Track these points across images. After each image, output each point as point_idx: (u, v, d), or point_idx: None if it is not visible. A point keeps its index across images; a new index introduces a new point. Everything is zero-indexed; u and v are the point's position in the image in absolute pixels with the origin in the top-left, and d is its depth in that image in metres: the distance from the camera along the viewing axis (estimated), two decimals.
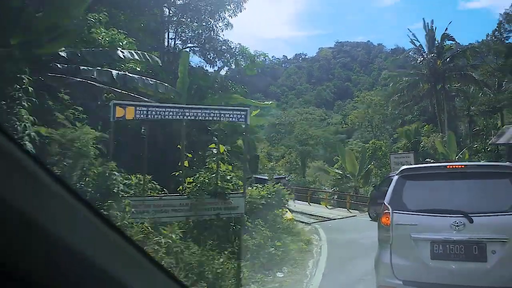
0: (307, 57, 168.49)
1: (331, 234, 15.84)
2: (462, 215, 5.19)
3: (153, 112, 10.08)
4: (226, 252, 8.68)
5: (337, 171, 32.27)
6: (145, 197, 9.99)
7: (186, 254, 7.94)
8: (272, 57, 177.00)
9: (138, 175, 10.53)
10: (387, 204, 5.74)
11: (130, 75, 12.19)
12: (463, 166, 6.22)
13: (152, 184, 10.65)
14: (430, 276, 5.26)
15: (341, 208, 27.05)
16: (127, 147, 12.02)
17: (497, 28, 53.26)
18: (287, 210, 15.52)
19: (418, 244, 5.38)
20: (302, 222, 22.18)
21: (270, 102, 20.07)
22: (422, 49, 43.73)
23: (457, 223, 5.15)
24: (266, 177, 22.44)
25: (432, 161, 28.75)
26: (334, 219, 22.08)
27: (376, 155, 36.25)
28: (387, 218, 5.60)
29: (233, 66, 28.83)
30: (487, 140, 46.66)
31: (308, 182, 53.41)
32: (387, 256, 5.55)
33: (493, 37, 54.09)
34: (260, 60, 27.21)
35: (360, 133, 71.38)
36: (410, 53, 44.00)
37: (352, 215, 23.96)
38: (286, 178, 24.31)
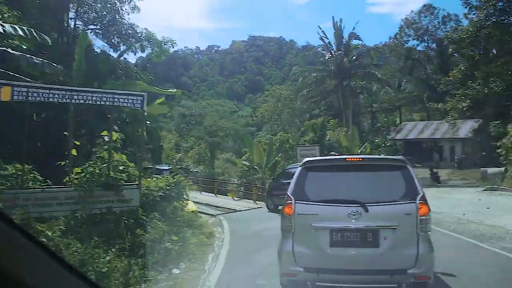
0: (220, 49, 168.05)
1: (235, 226, 15.44)
2: (359, 205, 5.52)
3: (35, 94, 8.84)
4: (114, 249, 7.85)
5: (244, 162, 32.06)
6: (24, 189, 8.81)
7: (66, 254, 7.02)
8: (185, 47, 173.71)
9: (16, 165, 9.30)
10: (290, 195, 5.88)
11: (11, 51, 10.78)
12: (361, 159, 6.68)
13: (34, 175, 9.44)
14: (329, 262, 5.55)
15: (247, 200, 26.83)
16: (6, 133, 10.62)
17: (399, 32, 56.49)
18: (187, 202, 14.86)
19: (318, 233, 5.63)
20: (207, 214, 21.62)
21: (175, 90, 19.17)
22: (331, 47, 45.16)
23: (354, 212, 5.49)
24: (168, 168, 21.51)
25: (336, 154, 29.53)
26: (240, 211, 21.75)
27: (284, 148, 36.72)
28: (289, 208, 5.76)
29: (139, 51, 27.24)
30: (387, 136, 49.44)
31: (217, 173, 53.05)
32: (290, 245, 5.71)
33: (395, 40, 57.26)
34: (167, 47, 26.00)
35: (269, 126, 72.25)
36: (319, 50, 45.22)
37: (258, 207, 23.77)
38: (170, 167, 23.16)
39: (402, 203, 5.62)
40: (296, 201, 5.77)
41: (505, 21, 30.63)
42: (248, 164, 31.17)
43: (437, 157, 41.61)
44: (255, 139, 39.45)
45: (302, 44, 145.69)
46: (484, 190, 23.06)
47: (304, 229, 5.68)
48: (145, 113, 11.48)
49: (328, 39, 44.49)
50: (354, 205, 5.55)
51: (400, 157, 7.01)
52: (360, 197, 5.65)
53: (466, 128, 39.79)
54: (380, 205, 5.63)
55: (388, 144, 46.70)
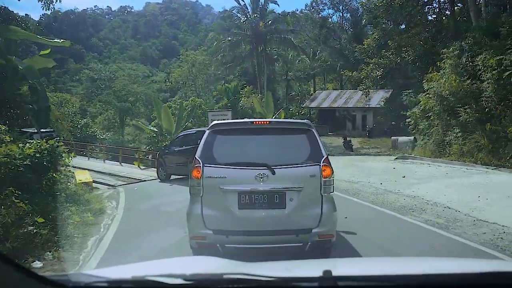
0: (133, 10, 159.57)
1: (133, 199, 13.38)
2: (266, 168, 5.59)
3: None
4: None
5: (152, 128, 29.52)
6: None
7: None
8: (95, 6, 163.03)
9: None
10: (198, 158, 5.80)
11: None
12: (267, 122, 6.54)
13: None
14: (238, 224, 5.62)
15: (154, 169, 24.62)
16: None
17: (314, 0, 55.69)
18: (76, 172, 12.53)
19: (227, 195, 5.66)
20: (107, 184, 19.31)
21: (62, 40, 16.20)
22: (246, 10, 42.99)
23: (261, 174, 5.57)
24: (48, 131, 18.63)
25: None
26: (144, 181, 19.60)
27: (196, 113, 34.67)
28: (198, 172, 5.70)
29: None
30: (302, 104, 49.02)
31: (127, 141, 49.80)
32: (198, 208, 5.71)
33: (311, 8, 56.51)
34: None
35: (183, 92, 69.18)
36: (233, 12, 42.81)
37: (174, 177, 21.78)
38: (53, 130, 20.32)
39: (306, 166, 5.77)
40: (204, 165, 5.72)
41: None
42: (156, 130, 28.72)
43: (350, 125, 41.78)
44: (165, 104, 36.75)
45: (219, 10, 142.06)
46: (396, 158, 22.76)
47: (213, 192, 5.68)
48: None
49: (244, 1, 42.42)
50: (261, 167, 5.61)
51: (305, 121, 6.80)
52: (267, 160, 5.72)
53: (377, 97, 40.13)
54: (286, 167, 5.73)
55: (302, 113, 46.24)
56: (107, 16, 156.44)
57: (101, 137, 43.03)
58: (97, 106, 58.96)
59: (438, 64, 22.81)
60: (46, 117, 15.95)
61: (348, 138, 31.36)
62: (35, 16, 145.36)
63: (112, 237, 8.54)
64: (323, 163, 5.72)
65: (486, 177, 14.92)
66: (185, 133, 19.55)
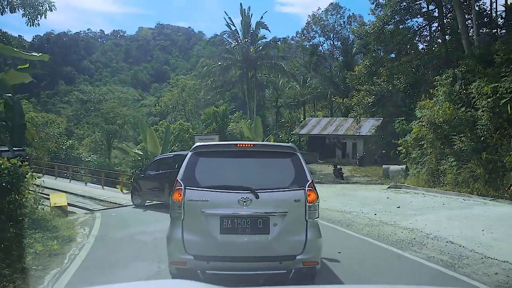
0: (126, 35, 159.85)
1: (109, 226, 12.30)
2: (249, 191, 5.40)
3: None
4: None
5: (137, 151, 28.41)
6: None
7: None
8: (88, 29, 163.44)
9: None
10: (179, 180, 5.59)
11: None
12: (251, 145, 6.33)
13: None
14: (220, 249, 5.37)
15: None
16: None
17: (306, 28, 55.76)
18: (53, 196, 11.46)
19: (209, 220, 5.43)
20: (85, 208, 18.18)
21: (40, 54, 15.24)
22: (237, 34, 42.56)
23: (245, 198, 5.38)
24: (19, 150, 17.53)
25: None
26: (124, 206, 18.47)
27: (183, 137, 33.68)
28: (179, 195, 5.50)
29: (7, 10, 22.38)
30: (291, 131, 48.44)
31: (114, 164, 48.60)
32: (179, 232, 5.45)
33: (302, 35, 56.56)
34: (44, 9, 21.47)
35: (173, 117, 68.44)
36: (224, 36, 42.29)
37: (151, 202, 20.67)
38: (23, 150, 19.09)
39: (291, 190, 5.60)
40: (186, 187, 5.52)
41: (407, 21, 30.42)
42: (141, 153, 27.62)
43: (340, 153, 41.03)
44: (151, 127, 35.75)
45: (211, 36, 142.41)
46: (389, 187, 21.88)
47: (194, 216, 5.46)
48: None
49: (235, 26, 42.02)
50: (245, 191, 5.44)
51: (290, 144, 6.62)
52: (251, 183, 5.53)
53: (368, 125, 39.65)
54: (270, 191, 5.54)
55: (291, 139, 45.54)
56: (99, 40, 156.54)
57: (87, 159, 41.71)
58: (84, 128, 57.77)
59: (431, 91, 22.30)
60: (21, 135, 14.86)
61: (338, 166, 30.52)
62: (28, 38, 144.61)
63: (75, 270, 7.47)
64: (308, 187, 5.58)
65: (486, 208, 14.00)
66: (162, 156, 18.76)
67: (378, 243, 9.61)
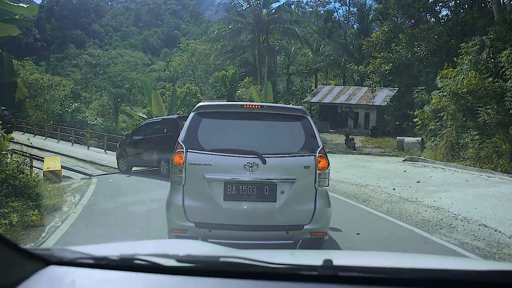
0: None
1: (102, 194, 11.24)
2: (256, 156, 5.00)
3: None
4: None
5: (141, 115, 27.16)
6: None
7: None
8: None
9: None
10: (181, 142, 5.12)
11: None
12: (259, 107, 5.73)
13: None
14: (223, 217, 4.99)
15: None
16: None
17: None
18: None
19: (212, 185, 5.01)
20: (84, 173, 17.19)
21: (27, 5, 13.78)
22: None
23: (251, 163, 4.97)
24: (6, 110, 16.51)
25: None
26: (120, 173, 17.42)
27: (190, 102, 32.39)
28: (180, 157, 5.02)
29: None
30: (302, 100, 46.87)
31: (121, 128, 47.58)
32: (179, 198, 5.04)
33: (317, 0, 54.17)
34: None
35: (182, 82, 67.02)
36: None
37: (154, 167, 19.62)
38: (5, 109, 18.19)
39: (301, 156, 5.17)
40: (188, 150, 5.05)
41: None
42: (145, 117, 26.41)
43: (352, 123, 39.58)
44: (159, 90, 34.37)
45: (224, 2, 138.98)
46: (404, 160, 20.64)
47: (196, 181, 5.01)
48: None
49: None
50: (251, 156, 5.00)
51: (300, 107, 6.15)
52: (258, 147, 5.10)
53: (382, 95, 37.99)
54: (278, 156, 5.11)
55: None
56: (109, 3, 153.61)
57: (92, 123, 40.67)
58: (92, 91, 56.61)
59: (455, 60, 20.67)
60: (11, 94, 13.79)
61: (350, 136, 29.24)
62: (38, 0, 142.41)
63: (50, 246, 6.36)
64: (318, 153, 5.14)
65: None
66: (150, 121, 18.09)
67: (401, 223, 8.43)
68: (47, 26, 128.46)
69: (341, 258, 2.13)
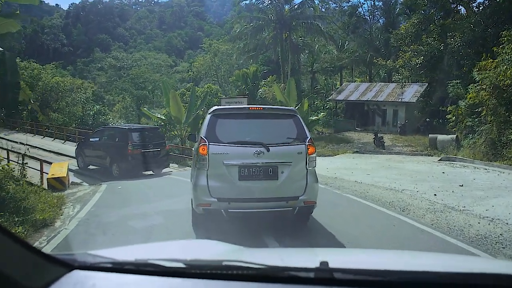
0: (159, 1, 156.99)
1: (106, 204, 9.99)
2: (261, 146, 6.40)
3: None
4: None
5: (159, 116, 25.98)
6: None
7: None
8: None
9: None
10: (204, 137, 6.41)
11: None
12: (261, 108, 7.41)
13: None
14: (238, 193, 6.38)
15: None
16: None
17: None
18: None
19: (229, 169, 6.37)
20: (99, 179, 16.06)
21: None
22: None
23: (259, 151, 6.37)
24: None
25: None
26: (136, 179, 16.25)
27: (211, 101, 31.18)
28: (203, 149, 6.35)
29: None
30: (327, 98, 45.16)
31: None
32: (204, 180, 6.37)
33: None
34: None
35: (206, 82, 66.00)
36: None
37: (168, 171, 18.46)
38: None
39: (295, 144, 6.62)
40: (210, 143, 6.36)
41: None
42: (164, 118, 25.23)
43: (380, 121, 37.63)
44: (178, 92, 33.25)
45: (246, 2, 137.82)
46: (440, 160, 18.88)
47: (217, 166, 6.35)
48: None
49: None
50: (258, 146, 6.40)
51: (291, 107, 9.01)
52: (262, 139, 6.48)
53: (411, 91, 35.94)
54: (278, 145, 6.52)
55: (327, 107, 42.30)
56: (134, 7, 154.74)
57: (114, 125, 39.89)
58: (114, 93, 56.05)
59: (494, 50, 18.78)
60: (14, 95, 12.68)
61: (379, 134, 27.48)
62: (65, 6, 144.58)
63: None
64: (308, 142, 6.61)
65: None
66: (106, 127, 20.44)
67: (451, 239, 6.88)
68: (74, 32, 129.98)
69: (337, 259, 2.18)
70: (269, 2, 38.07)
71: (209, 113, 6.81)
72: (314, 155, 6.60)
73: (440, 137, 23.63)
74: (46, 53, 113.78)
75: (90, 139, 18.07)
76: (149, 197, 11.00)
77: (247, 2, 42.18)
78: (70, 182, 14.05)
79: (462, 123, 22.31)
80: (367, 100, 38.27)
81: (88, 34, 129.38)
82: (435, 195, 10.46)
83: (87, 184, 14.47)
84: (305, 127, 6.80)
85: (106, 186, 13.18)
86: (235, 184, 6.31)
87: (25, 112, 37.23)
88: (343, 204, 9.58)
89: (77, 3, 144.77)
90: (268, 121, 6.93)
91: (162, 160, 17.32)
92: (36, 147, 25.52)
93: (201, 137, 6.44)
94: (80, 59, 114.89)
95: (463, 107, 21.87)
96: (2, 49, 13.01)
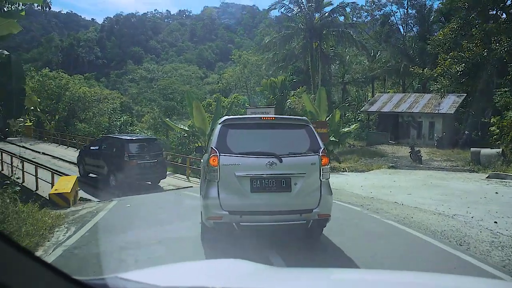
0: (191, 14, 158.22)
1: (101, 229, 8.47)
2: (274, 156, 6.13)
3: None
4: None
5: (182, 127, 24.66)
6: None
7: None
8: (155, 10, 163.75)
9: None
10: (214, 148, 6.16)
11: None
12: (273, 118, 7.09)
13: None
14: (250, 205, 6.11)
15: (180, 175, 19.99)
16: None
17: None
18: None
19: (241, 180, 6.10)
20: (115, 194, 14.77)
21: None
22: (301, 0, 37.34)
23: (271, 162, 6.10)
24: None
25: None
26: (153, 193, 14.91)
27: (238, 111, 29.82)
28: (214, 160, 6.08)
29: None
30: (358, 110, 43.21)
31: (171, 141, 45.77)
32: (215, 192, 6.08)
33: (372, 4, 50.55)
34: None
35: (235, 93, 64.96)
36: (285, 2, 36.99)
37: (188, 186, 17.04)
38: None
39: (308, 155, 6.35)
40: (220, 154, 6.10)
41: None
42: (187, 129, 23.90)
43: (415, 133, 35.42)
44: (205, 101, 32.02)
45: (276, 15, 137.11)
46: (488, 177, 16.76)
47: (228, 178, 6.08)
48: None
49: None
50: (271, 156, 6.13)
51: (303, 118, 7.50)
52: (275, 150, 6.22)
53: (448, 102, 33.75)
54: (291, 156, 6.27)
55: (358, 119, 40.28)
56: (166, 20, 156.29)
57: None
58: (142, 103, 55.50)
59: None
60: (19, 102, 11.52)
61: (416, 148, 25.41)
62: (100, 20, 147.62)
63: None
64: (321, 153, 6.35)
65: None
66: (106, 136, 20.35)
67: None
68: (108, 44, 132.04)
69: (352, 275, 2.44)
70: (299, 10, 36.46)
71: (219, 123, 6.57)
72: (328, 166, 6.41)
73: (484, 151, 21.41)
74: (81, 66, 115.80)
75: (91, 148, 18.18)
76: (159, 218, 9.51)
77: (278, 14, 40.44)
78: (78, 197, 12.78)
79: (508, 135, 20.19)
80: (401, 112, 36.20)
81: (122, 47, 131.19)
82: (495, 222, 8.59)
83: (96, 200, 13.13)
84: (317, 137, 6.58)
85: (115, 203, 11.80)
86: (247, 196, 6.07)
87: (53, 122, 36.81)
88: (384, 234, 7.83)
89: (112, 17, 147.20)
90: (280, 131, 6.68)
91: (159, 172, 16.85)
92: (56, 157, 24.78)
93: (211, 148, 6.23)
94: (114, 71, 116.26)
95: (510, 117, 19.74)
96: (8, 53, 11.99)
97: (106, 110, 38.94)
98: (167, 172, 20.48)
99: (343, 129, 23.52)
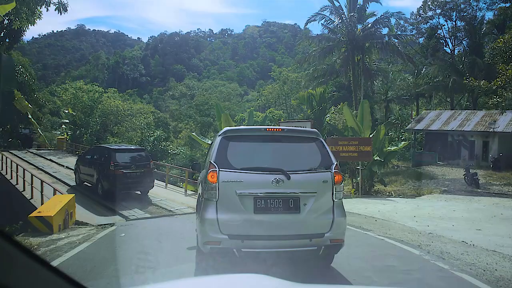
0: (233, 33, 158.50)
1: (73, 267, 6.29)
2: (281, 173, 5.38)
3: None
4: None
5: (207, 141, 22.59)
6: None
7: None
8: (198, 29, 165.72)
9: None
10: (213, 163, 5.43)
11: None
12: (280, 130, 6.05)
13: None
14: (254, 228, 5.31)
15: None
16: None
17: (422, 7, 46.49)
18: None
19: (243, 200, 5.34)
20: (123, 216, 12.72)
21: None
22: (341, 10, 34.82)
23: (277, 179, 5.34)
24: None
25: (338, 137, 20.09)
26: (174, 215, 12.75)
27: (270, 125, 27.57)
28: (213, 176, 5.34)
29: None
30: (402, 129, 40.08)
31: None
32: (213, 213, 5.32)
33: (417, 16, 47.50)
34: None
35: (271, 109, 63.01)
36: (325, 13, 34.51)
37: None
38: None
39: (319, 172, 5.60)
40: (220, 169, 5.38)
41: None
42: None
43: (467, 154, 31.90)
44: (236, 117, 29.90)
45: (317, 33, 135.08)
46: None
47: (228, 197, 5.35)
48: None
49: (338, 2, 34.27)
50: (277, 173, 5.40)
51: (314, 130, 6.51)
52: (281, 165, 5.49)
53: (505, 120, 30.23)
54: (300, 173, 5.51)
55: (402, 138, 36.96)
56: (208, 39, 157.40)
57: (174, 152, 37.24)
58: (179, 120, 54.23)
59: None
60: (7, 105, 9.71)
61: (471, 170, 22.16)
62: (145, 39, 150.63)
63: None
64: (334, 169, 5.62)
65: None
66: (98, 146, 19.79)
67: None
68: (152, 62, 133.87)
69: None
70: (340, 21, 33.92)
71: (219, 135, 5.88)
72: (341, 184, 5.67)
73: None
74: (126, 82, 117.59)
75: (86, 156, 18.18)
76: (153, 257, 7.20)
77: (319, 32, 38.05)
78: (73, 220, 10.70)
79: None
80: (451, 130, 32.78)
81: (165, 65, 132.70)
82: None
83: (96, 224, 10.98)
84: (329, 152, 5.87)
85: (110, 231, 9.62)
86: (250, 218, 5.30)
87: (85, 136, 35.77)
88: None
89: (156, 36, 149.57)
90: (288, 144, 5.88)
91: (146, 181, 16.39)
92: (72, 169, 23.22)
93: (210, 162, 5.49)
94: (156, 88, 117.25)
95: None
96: None
97: (139, 124, 37.52)
98: (188, 192, 18.37)
99: (389, 148, 20.62)
